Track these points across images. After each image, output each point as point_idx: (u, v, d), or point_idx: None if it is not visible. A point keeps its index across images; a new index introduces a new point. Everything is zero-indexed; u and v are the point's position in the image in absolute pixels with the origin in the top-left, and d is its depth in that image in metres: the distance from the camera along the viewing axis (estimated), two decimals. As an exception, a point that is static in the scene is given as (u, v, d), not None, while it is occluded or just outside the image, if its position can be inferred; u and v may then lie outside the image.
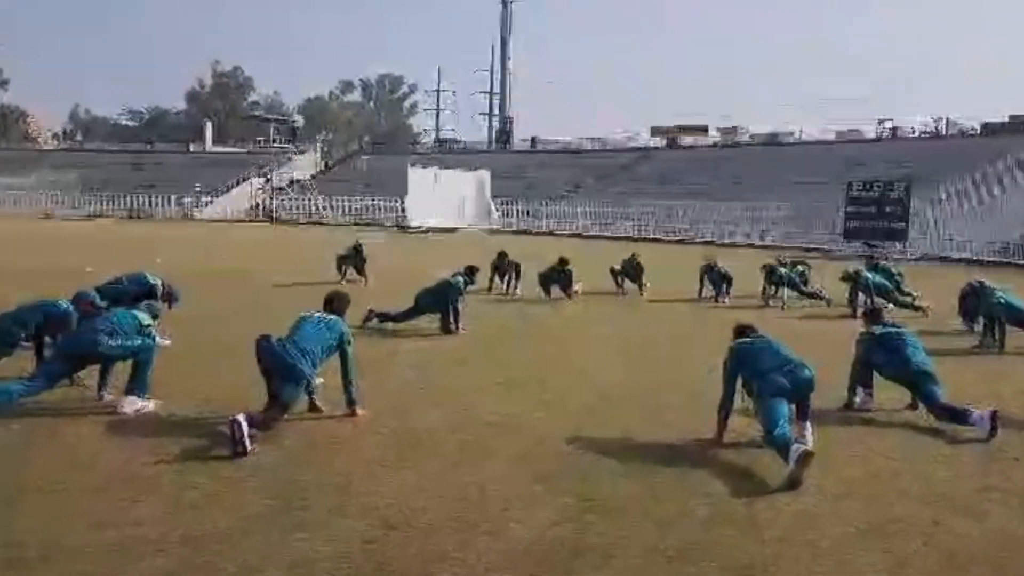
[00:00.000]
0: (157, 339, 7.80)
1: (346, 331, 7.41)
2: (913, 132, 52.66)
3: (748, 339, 7.14)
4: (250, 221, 52.30)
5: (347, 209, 53.68)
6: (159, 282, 11.39)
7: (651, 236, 41.15)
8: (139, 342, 7.41)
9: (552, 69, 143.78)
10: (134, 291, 10.63)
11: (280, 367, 6.82)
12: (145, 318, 7.65)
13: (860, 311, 11.64)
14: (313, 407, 7.32)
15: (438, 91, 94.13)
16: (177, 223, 48.55)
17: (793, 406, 6.62)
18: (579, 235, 42.65)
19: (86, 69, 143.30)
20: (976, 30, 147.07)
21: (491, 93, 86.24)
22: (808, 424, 6.71)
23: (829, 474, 6.06)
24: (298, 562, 4.47)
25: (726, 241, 38.18)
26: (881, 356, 7.89)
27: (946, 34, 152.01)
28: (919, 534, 5.07)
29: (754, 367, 6.78)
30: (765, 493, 5.70)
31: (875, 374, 7.98)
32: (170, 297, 11.38)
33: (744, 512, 5.36)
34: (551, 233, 43.88)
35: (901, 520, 5.28)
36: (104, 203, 53.80)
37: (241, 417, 6.18)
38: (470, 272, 12.66)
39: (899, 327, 8.35)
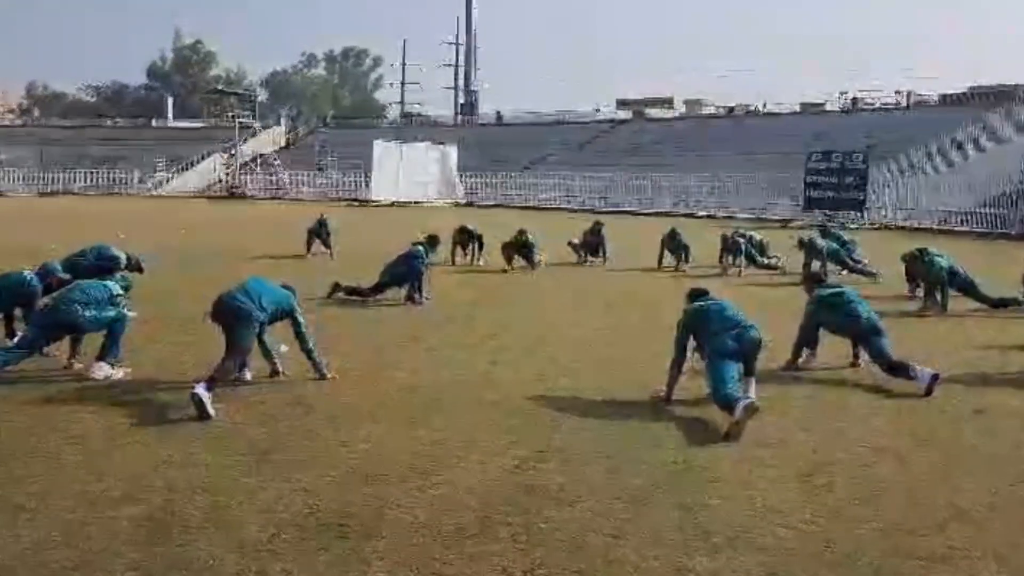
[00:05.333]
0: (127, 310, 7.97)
1: (295, 302, 7.61)
2: (875, 104, 53.41)
3: (701, 303, 7.47)
4: (212, 197, 51.87)
5: (311, 184, 53.41)
6: (123, 255, 11.50)
7: (617, 208, 41.45)
8: (112, 312, 7.61)
9: (517, 42, 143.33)
10: (98, 264, 10.72)
11: (229, 311, 7.13)
12: (116, 288, 7.86)
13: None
14: (275, 372, 7.58)
15: (403, 64, 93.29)
16: (139, 199, 48.10)
17: (741, 364, 6.99)
18: (544, 208, 42.85)
19: (43, 44, 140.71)
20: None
21: (456, 66, 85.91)
22: (753, 380, 7.07)
23: (770, 426, 6.41)
24: (268, 508, 4.74)
25: (689, 212, 38.55)
26: (830, 316, 8.29)
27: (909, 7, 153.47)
28: (847, 475, 5.45)
29: (705, 329, 7.12)
30: (711, 443, 6.05)
31: (819, 336, 8.37)
32: (136, 267, 11.51)
33: (691, 459, 5.71)
34: (517, 206, 44.01)
35: (833, 464, 5.66)
36: (63, 179, 53.02)
37: (199, 388, 6.41)
38: (431, 241, 12.87)
39: (840, 287, 8.75)
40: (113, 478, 5.14)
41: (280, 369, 7.62)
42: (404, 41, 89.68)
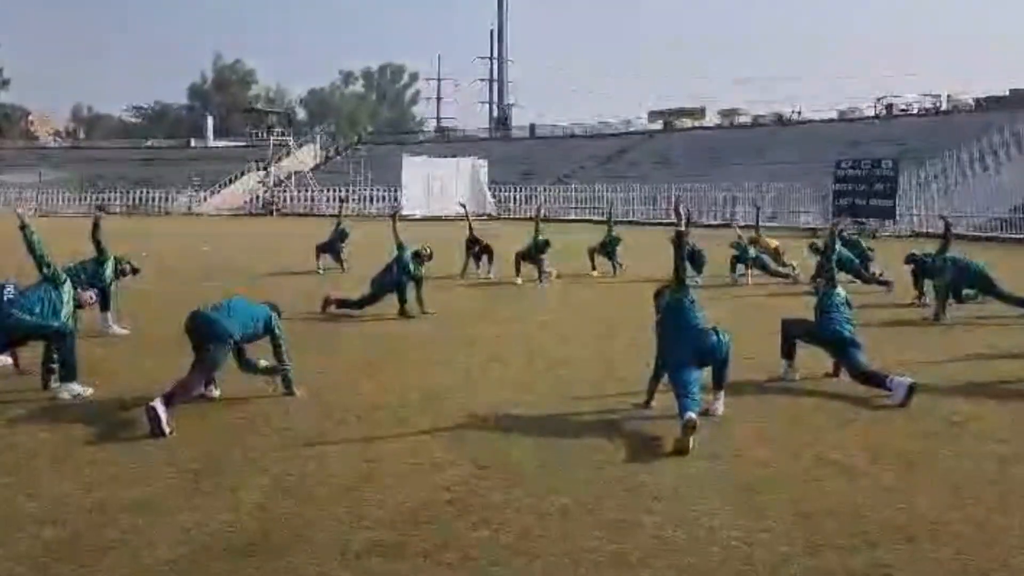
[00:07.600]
0: (69, 322, 7.94)
1: (272, 316, 7.60)
2: (910, 108, 52.54)
3: (667, 301, 7.27)
4: (248, 215, 52.61)
5: (345, 199, 53.71)
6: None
7: (647, 220, 41.18)
8: (54, 323, 7.66)
9: (549, 55, 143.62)
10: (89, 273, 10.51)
11: (204, 327, 7.09)
12: (65, 296, 7.93)
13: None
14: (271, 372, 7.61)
15: (438, 79, 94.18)
16: (176, 218, 48.90)
17: (707, 369, 6.84)
18: (574, 220, 42.72)
19: (89, 68, 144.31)
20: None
21: (490, 80, 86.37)
22: (721, 393, 6.91)
23: (732, 438, 6.29)
24: (187, 528, 4.69)
25: (724, 223, 38.09)
26: (807, 323, 8.13)
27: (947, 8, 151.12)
28: (792, 491, 5.27)
29: (667, 330, 6.97)
30: (658, 458, 5.90)
31: (796, 347, 8.17)
32: (131, 271, 11.30)
33: (635, 476, 5.55)
34: (546, 219, 43.85)
35: (781, 479, 5.48)
36: (103, 199, 54.05)
37: (156, 402, 6.40)
38: (417, 257, 12.54)
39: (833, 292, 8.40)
40: (45, 498, 5.14)
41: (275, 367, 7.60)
42: (439, 57, 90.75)
